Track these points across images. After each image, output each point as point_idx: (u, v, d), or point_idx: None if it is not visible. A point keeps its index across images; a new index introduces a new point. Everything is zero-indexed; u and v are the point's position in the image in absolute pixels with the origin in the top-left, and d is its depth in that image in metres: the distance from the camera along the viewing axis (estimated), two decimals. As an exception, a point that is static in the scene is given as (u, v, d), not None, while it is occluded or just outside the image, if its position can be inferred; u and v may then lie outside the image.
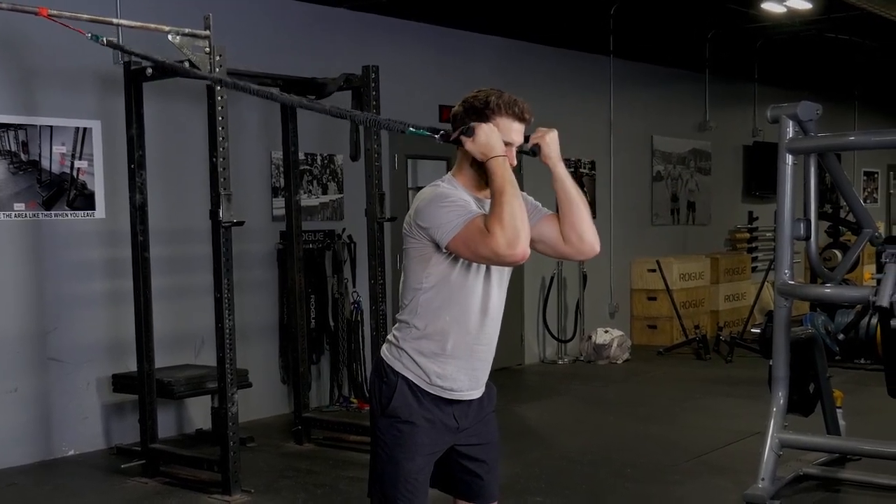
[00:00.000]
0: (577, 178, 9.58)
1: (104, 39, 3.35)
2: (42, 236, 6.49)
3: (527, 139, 3.12)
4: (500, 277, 3.13)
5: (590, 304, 10.56)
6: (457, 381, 3.09)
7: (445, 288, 3.03)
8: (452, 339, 3.06)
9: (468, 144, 2.99)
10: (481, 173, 3.04)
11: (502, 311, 3.18)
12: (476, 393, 3.18)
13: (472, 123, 3.00)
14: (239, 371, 5.92)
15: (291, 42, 7.82)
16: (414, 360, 3.07)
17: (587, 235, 3.13)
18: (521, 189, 3.06)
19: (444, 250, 2.97)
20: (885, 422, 6.92)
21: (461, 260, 3.01)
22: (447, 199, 2.98)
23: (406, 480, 3.06)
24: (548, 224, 3.16)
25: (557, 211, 3.16)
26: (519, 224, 2.85)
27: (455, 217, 2.92)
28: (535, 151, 3.13)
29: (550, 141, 3.12)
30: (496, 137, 2.97)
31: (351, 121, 5.65)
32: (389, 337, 3.17)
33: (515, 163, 3.05)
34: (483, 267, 3.06)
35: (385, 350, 3.16)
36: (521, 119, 3.04)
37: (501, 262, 2.95)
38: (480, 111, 3.02)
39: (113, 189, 6.70)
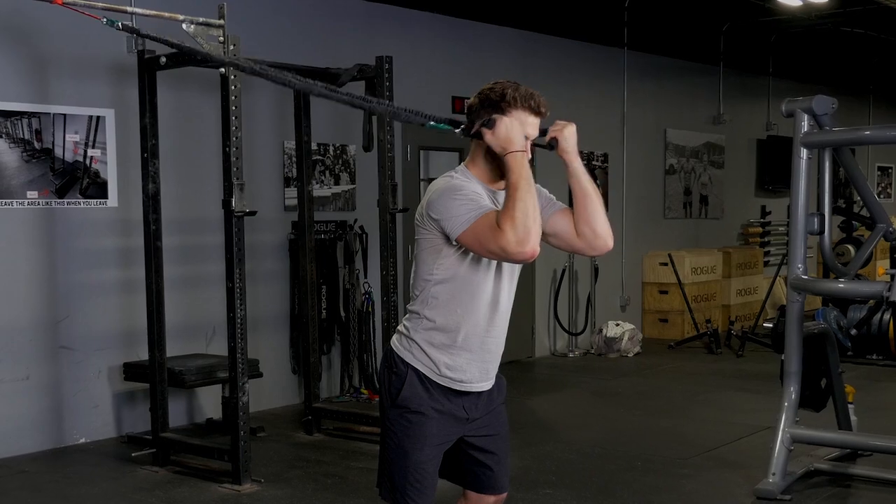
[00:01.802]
0: (590, 170, 9.56)
1: (120, 24, 3.36)
2: (55, 224, 6.50)
3: (544, 132, 3.10)
4: (512, 270, 3.13)
5: (601, 297, 10.54)
6: (467, 372, 3.09)
7: (456, 279, 3.03)
8: (463, 331, 3.06)
9: (488, 136, 2.97)
10: (495, 165, 3.03)
11: (512, 303, 3.18)
12: (486, 385, 3.18)
13: (494, 115, 2.97)
14: (250, 361, 5.92)
15: (304, 32, 7.81)
16: (424, 352, 3.07)
17: (601, 231, 3.12)
18: (535, 180, 3.05)
19: (455, 243, 2.97)
20: (897, 418, 6.90)
21: (472, 252, 3.01)
22: (460, 191, 2.97)
23: (415, 471, 3.07)
24: (562, 218, 3.16)
25: (571, 205, 3.15)
26: (530, 222, 2.83)
27: (466, 211, 2.91)
28: (553, 145, 3.10)
29: (568, 135, 3.10)
30: (517, 132, 2.95)
31: (367, 111, 5.66)
32: (400, 328, 3.18)
33: (530, 156, 3.04)
34: (494, 259, 3.05)
35: (395, 341, 3.16)
36: (537, 113, 3.03)
37: (510, 259, 2.94)
38: (496, 104, 3.00)
39: (126, 178, 6.71)
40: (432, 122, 3.05)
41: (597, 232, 3.12)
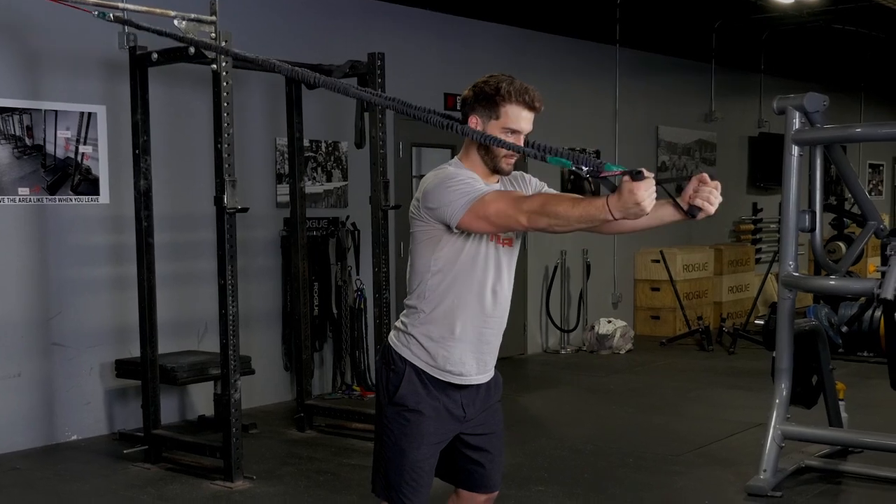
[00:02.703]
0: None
1: (111, 15, 3.36)
2: (46, 221, 6.49)
3: (680, 188, 2.86)
4: (510, 260, 3.13)
5: (593, 294, 10.55)
6: (465, 364, 3.09)
7: (454, 270, 3.03)
8: (461, 322, 3.06)
9: (625, 195, 2.57)
10: (489, 160, 3.03)
11: (511, 294, 3.18)
12: (484, 378, 3.18)
13: (644, 170, 2.58)
14: (242, 358, 5.91)
15: (296, 28, 7.80)
16: (422, 346, 3.07)
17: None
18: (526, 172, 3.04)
19: (456, 230, 2.96)
20: (888, 414, 6.92)
21: (470, 242, 3.01)
22: (455, 178, 2.97)
23: (411, 469, 3.07)
24: None
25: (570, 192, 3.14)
26: (548, 219, 2.77)
27: (464, 193, 2.90)
28: (694, 214, 2.78)
29: (714, 206, 2.77)
30: (650, 202, 2.58)
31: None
32: (397, 323, 3.17)
33: (523, 147, 3.04)
34: (492, 249, 3.06)
35: (393, 337, 3.16)
36: (531, 108, 3.03)
37: (515, 222, 2.87)
38: (490, 97, 3.00)
39: (117, 174, 6.69)
40: (549, 157, 2.78)
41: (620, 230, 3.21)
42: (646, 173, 2.55)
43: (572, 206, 2.72)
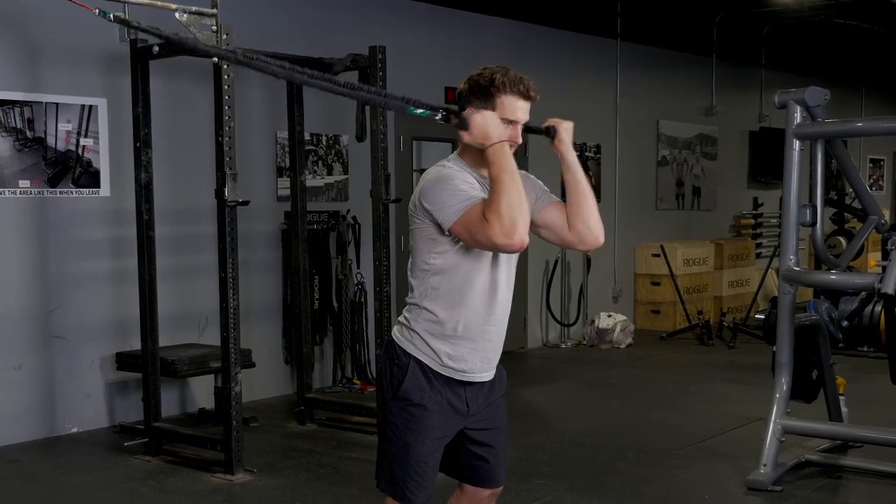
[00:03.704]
0: (583, 161, 9.60)
1: (112, 15, 3.34)
2: (47, 214, 6.49)
3: (546, 128, 3.15)
4: (509, 257, 3.12)
5: (593, 289, 10.55)
6: (468, 362, 3.09)
7: (454, 268, 3.03)
8: (463, 320, 3.05)
9: (465, 137, 3.00)
10: (484, 153, 3.03)
11: (512, 291, 3.18)
12: (487, 375, 3.17)
13: (467, 113, 2.98)
14: (242, 351, 5.92)
15: (298, 22, 7.80)
16: (425, 342, 3.06)
17: (593, 226, 3.13)
18: (528, 171, 3.04)
19: (448, 233, 2.97)
20: (888, 409, 6.93)
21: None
22: (451, 181, 2.97)
23: (416, 464, 3.06)
24: (555, 210, 3.16)
25: (564, 199, 3.16)
26: (516, 213, 2.82)
27: (457, 202, 2.91)
28: (551, 133, 3.12)
29: (567, 127, 3.14)
30: (493, 124, 2.96)
31: (357, 100, 5.60)
32: (400, 318, 3.17)
33: (520, 141, 3.04)
34: None
35: (396, 332, 3.16)
36: (526, 97, 3.03)
37: (499, 250, 2.94)
38: (486, 89, 3.00)
39: (118, 167, 6.69)
40: (411, 108, 3.02)
41: (589, 227, 3.13)
42: (466, 115, 2.98)
43: (496, 189, 2.87)
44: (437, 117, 3.05)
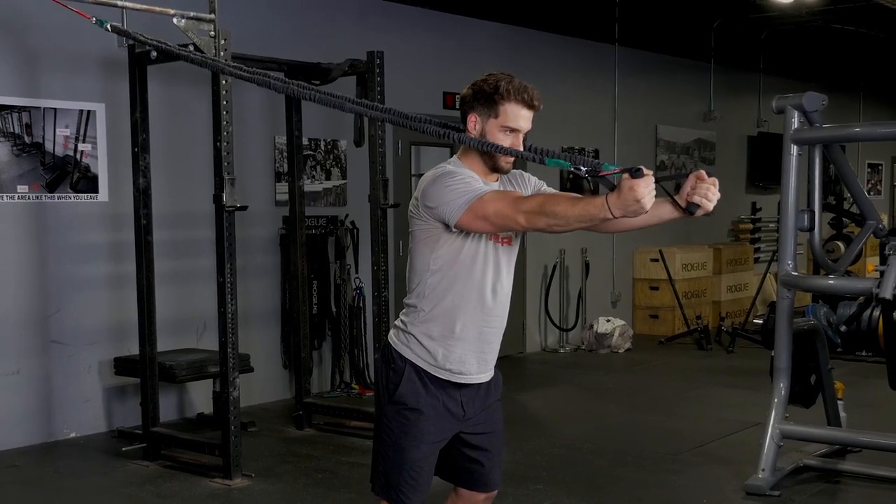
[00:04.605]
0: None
1: (109, 25, 3.35)
2: (45, 219, 6.49)
3: (678, 186, 2.82)
4: (509, 259, 3.13)
5: (592, 293, 10.55)
6: (465, 363, 3.09)
7: (453, 269, 3.03)
8: (461, 321, 3.06)
9: (625, 193, 2.59)
10: (487, 159, 3.03)
11: (510, 292, 3.18)
12: (484, 377, 3.18)
13: (643, 168, 2.60)
14: (241, 356, 5.92)
15: (296, 27, 7.80)
16: (422, 344, 3.07)
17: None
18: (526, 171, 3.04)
19: (454, 229, 2.96)
20: (886, 414, 6.93)
21: (469, 241, 3.01)
22: (454, 177, 2.98)
23: (411, 468, 3.07)
24: None
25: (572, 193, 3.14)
26: (546, 219, 2.79)
27: (463, 193, 2.91)
28: (692, 211, 2.79)
29: (712, 203, 2.79)
30: (650, 199, 2.60)
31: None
32: (397, 322, 3.17)
33: (522, 149, 3.04)
34: (491, 248, 3.06)
35: (393, 335, 3.16)
36: (530, 106, 3.03)
37: (514, 222, 2.88)
38: (490, 96, 3.00)
39: (116, 172, 6.69)
40: (548, 159, 2.81)
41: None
42: (645, 171, 2.56)
43: (571, 205, 2.74)
44: (582, 169, 2.74)
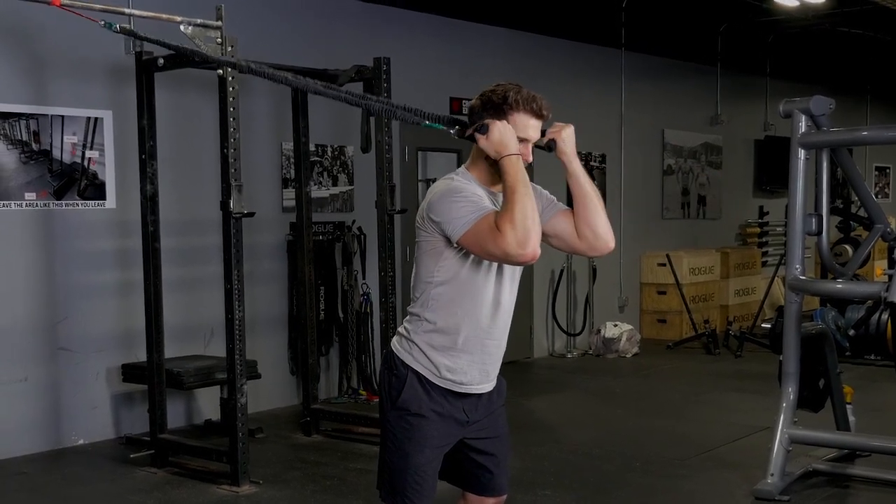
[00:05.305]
0: (588, 171, 9.60)
1: (118, 26, 3.35)
2: (53, 226, 6.50)
3: (543, 133, 3.10)
4: (513, 271, 3.13)
5: (599, 298, 10.54)
6: (467, 374, 3.09)
7: (457, 282, 3.03)
8: (464, 334, 3.06)
9: (482, 142, 2.98)
10: (495, 168, 3.03)
11: (514, 305, 3.18)
12: (487, 387, 3.17)
13: (487, 120, 2.97)
14: (248, 362, 5.92)
15: (302, 34, 7.81)
16: (424, 354, 3.07)
17: (602, 232, 3.13)
18: (533, 182, 3.04)
19: (456, 245, 2.97)
20: (895, 418, 6.90)
21: (473, 255, 3.01)
22: (460, 193, 2.97)
23: (415, 473, 3.06)
24: (563, 219, 3.16)
25: (572, 206, 3.16)
26: (530, 224, 2.83)
27: (467, 213, 2.91)
28: (551, 147, 3.12)
29: (567, 137, 3.11)
30: (510, 135, 2.95)
31: (365, 110, 5.62)
32: (400, 329, 3.17)
33: (531, 159, 3.04)
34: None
35: (395, 342, 3.16)
36: (538, 116, 3.03)
37: (511, 262, 2.95)
38: (498, 106, 3.00)
39: (124, 179, 6.71)
40: (427, 121, 3.04)
41: (597, 233, 3.13)
42: (487, 122, 2.97)
43: (510, 199, 2.87)
44: (451, 131, 3.08)
